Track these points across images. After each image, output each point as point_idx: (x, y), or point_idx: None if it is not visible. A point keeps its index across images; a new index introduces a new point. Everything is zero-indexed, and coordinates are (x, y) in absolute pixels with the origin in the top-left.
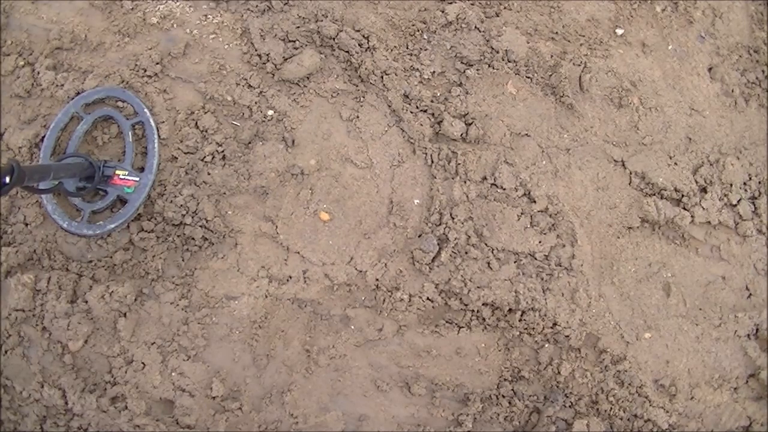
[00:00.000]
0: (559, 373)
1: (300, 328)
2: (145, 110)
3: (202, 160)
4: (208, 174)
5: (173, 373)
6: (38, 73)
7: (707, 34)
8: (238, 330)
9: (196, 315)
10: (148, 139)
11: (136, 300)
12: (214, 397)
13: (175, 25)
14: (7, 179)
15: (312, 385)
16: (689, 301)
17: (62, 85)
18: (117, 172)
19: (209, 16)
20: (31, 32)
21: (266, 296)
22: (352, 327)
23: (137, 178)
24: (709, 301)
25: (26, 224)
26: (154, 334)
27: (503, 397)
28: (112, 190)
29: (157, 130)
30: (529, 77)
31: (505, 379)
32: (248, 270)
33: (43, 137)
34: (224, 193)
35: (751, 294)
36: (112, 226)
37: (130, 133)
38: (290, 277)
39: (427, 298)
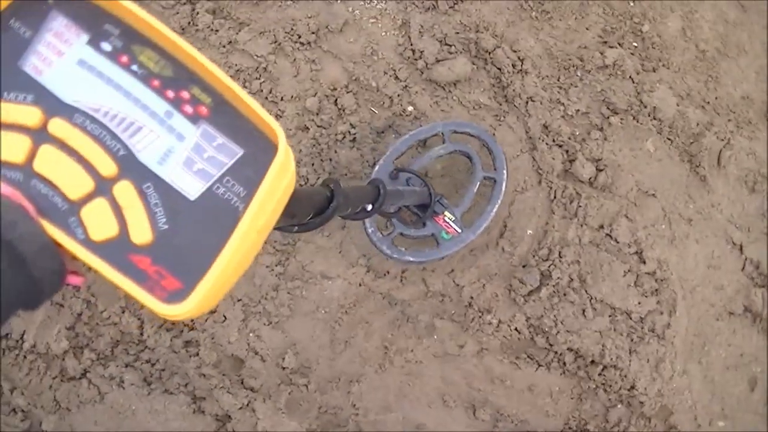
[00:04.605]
0: None
1: (384, 324)
2: (505, 171)
3: (333, 137)
4: (335, 152)
5: (251, 334)
6: (198, 13)
7: None
8: (325, 310)
9: (288, 285)
10: (492, 200)
11: None
12: (284, 368)
13: (339, 1)
14: (370, 207)
15: (381, 382)
16: None
17: (217, 30)
18: (446, 213)
19: (374, 0)
20: None
21: (360, 284)
22: (435, 337)
23: (459, 231)
24: None
25: None
26: (243, 291)
27: None
28: (431, 227)
29: (503, 195)
30: (670, 139)
31: (570, 428)
32: (350, 254)
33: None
34: (345, 174)
35: None
36: (410, 259)
37: (478, 183)
38: (388, 273)
39: (515, 329)
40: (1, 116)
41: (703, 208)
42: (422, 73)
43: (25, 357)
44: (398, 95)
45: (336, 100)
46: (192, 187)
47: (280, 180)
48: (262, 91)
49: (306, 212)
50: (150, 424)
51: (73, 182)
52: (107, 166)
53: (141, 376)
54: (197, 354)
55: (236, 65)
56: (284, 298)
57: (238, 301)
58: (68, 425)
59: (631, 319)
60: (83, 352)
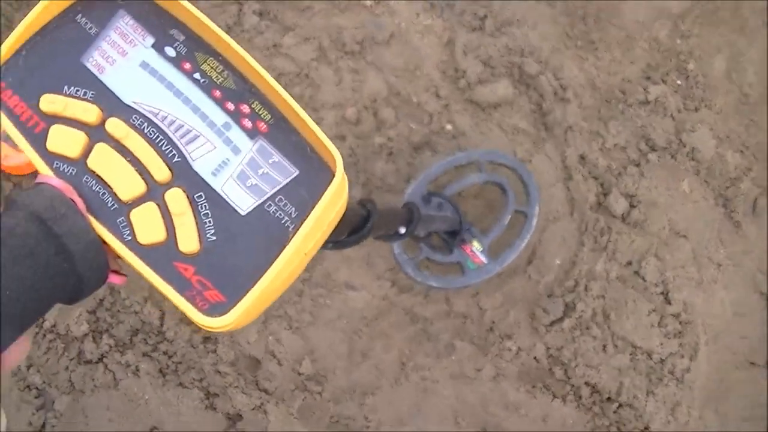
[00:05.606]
0: None
1: (404, 340)
2: (537, 207)
3: (370, 149)
4: (371, 164)
5: (270, 337)
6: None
7: None
8: (346, 320)
9: (312, 292)
10: (521, 234)
11: None
12: (300, 374)
13: (386, 13)
14: (403, 230)
15: (396, 396)
16: None
17: (263, 32)
18: (474, 242)
19: (420, 15)
20: None
21: (384, 298)
22: (454, 357)
23: (485, 261)
24: None
25: None
26: None
27: None
28: (458, 254)
29: (533, 230)
30: (706, 181)
31: None
32: (376, 267)
33: None
34: (379, 187)
35: None
36: (434, 284)
37: (509, 216)
38: (413, 288)
39: (534, 357)
40: (61, 110)
41: (734, 254)
42: (464, 92)
43: (44, 336)
44: (438, 113)
45: (376, 112)
46: (243, 202)
47: (333, 205)
48: (303, 96)
49: (343, 230)
50: (161, 415)
51: (126, 183)
52: (161, 171)
53: (157, 366)
54: (215, 351)
55: (279, 68)
56: (307, 305)
57: None
58: (80, 407)
59: (651, 359)
60: (102, 337)
